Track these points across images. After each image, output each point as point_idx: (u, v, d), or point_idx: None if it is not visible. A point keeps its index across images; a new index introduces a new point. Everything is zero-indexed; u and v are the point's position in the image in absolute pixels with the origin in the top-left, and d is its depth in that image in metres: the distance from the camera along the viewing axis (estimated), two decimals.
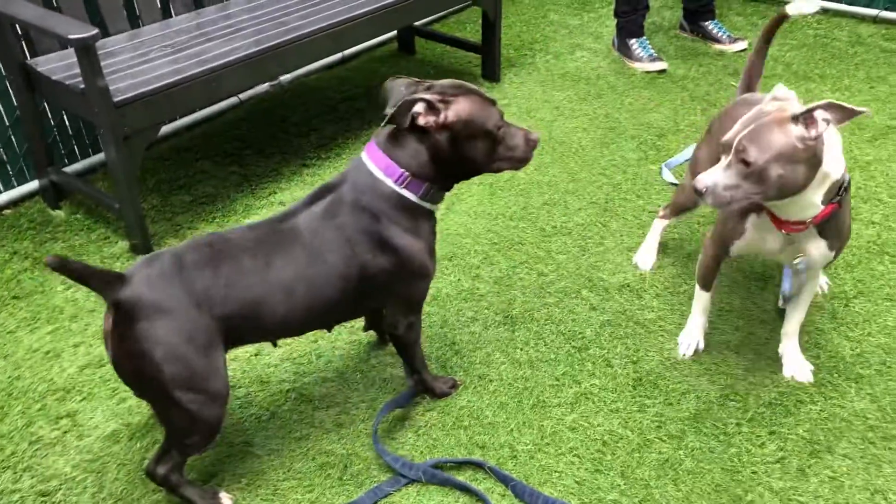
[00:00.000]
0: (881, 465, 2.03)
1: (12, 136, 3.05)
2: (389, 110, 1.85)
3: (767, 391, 2.25)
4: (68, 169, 3.23)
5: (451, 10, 4.62)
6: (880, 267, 2.69)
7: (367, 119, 3.71)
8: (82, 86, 2.56)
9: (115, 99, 2.56)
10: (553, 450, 2.10)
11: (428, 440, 2.13)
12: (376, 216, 1.88)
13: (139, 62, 2.84)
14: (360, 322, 2.50)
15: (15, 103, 2.95)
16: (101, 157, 3.31)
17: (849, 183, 1.94)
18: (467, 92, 1.89)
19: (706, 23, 4.29)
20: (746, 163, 1.78)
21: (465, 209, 3.07)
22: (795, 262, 2.06)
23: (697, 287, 2.36)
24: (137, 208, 2.77)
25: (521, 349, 2.43)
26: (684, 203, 2.58)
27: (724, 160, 1.84)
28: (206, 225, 2.99)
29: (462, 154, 1.89)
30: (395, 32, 4.33)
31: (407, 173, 1.88)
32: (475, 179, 3.06)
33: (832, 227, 1.99)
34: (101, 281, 1.71)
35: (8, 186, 3.11)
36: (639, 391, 2.27)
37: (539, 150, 3.41)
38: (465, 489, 1.98)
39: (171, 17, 3.25)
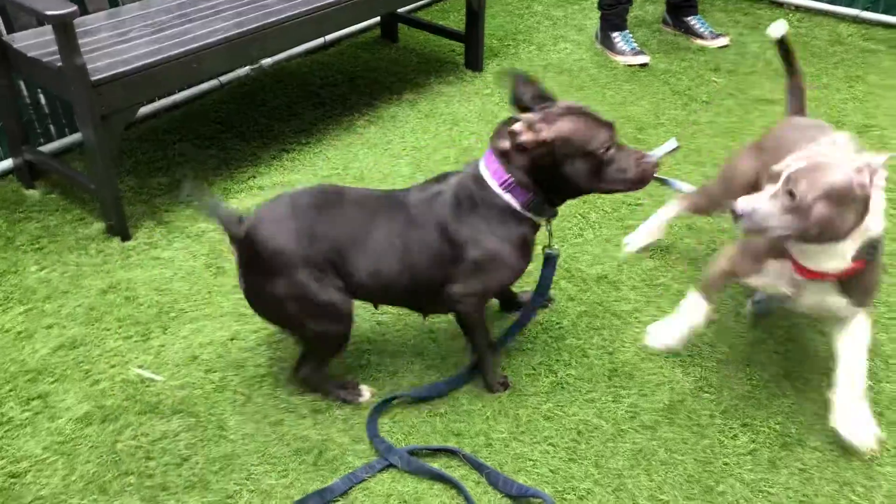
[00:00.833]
0: (850, 457, 2.06)
1: None
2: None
3: (741, 383, 2.28)
4: (44, 148, 3.19)
5: None
6: None
7: (349, 105, 3.69)
8: (59, 64, 2.52)
9: (93, 78, 2.53)
10: (528, 438, 2.11)
11: (404, 427, 2.14)
12: (465, 208, 2.02)
13: (118, 41, 2.80)
14: None
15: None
16: (77, 136, 3.27)
17: (882, 242, 1.86)
18: (575, 113, 1.95)
19: (689, 18, 4.30)
20: (793, 196, 1.71)
21: None
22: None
23: (695, 292, 2.20)
24: (114, 189, 2.74)
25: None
26: (705, 207, 2.55)
27: (771, 189, 1.77)
28: (183, 208, 2.96)
29: (562, 172, 1.96)
30: (378, 19, 4.31)
31: (512, 179, 1.98)
32: (456, 168, 3.06)
33: (856, 285, 1.89)
34: (226, 219, 2.02)
35: None
36: (614, 382, 2.29)
37: None
38: (440, 478, 1.98)
39: None
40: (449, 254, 2.03)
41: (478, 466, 2.01)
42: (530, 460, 2.05)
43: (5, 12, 2.82)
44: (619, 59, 4.09)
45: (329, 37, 4.20)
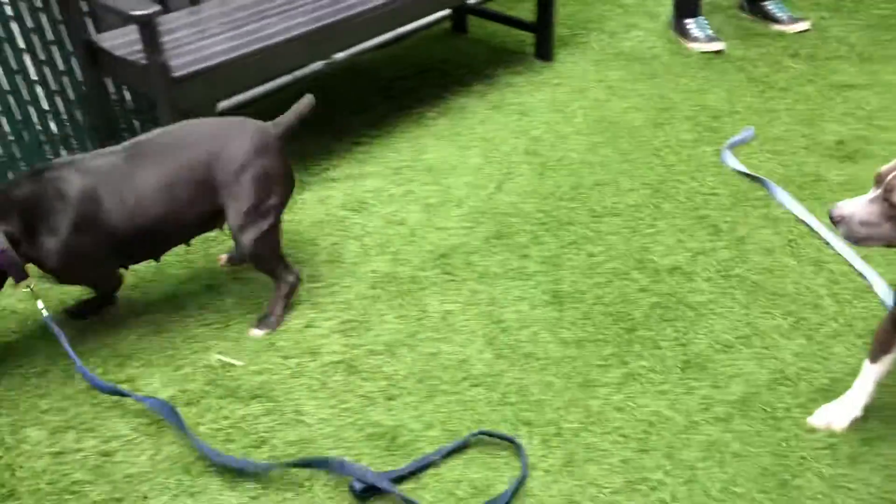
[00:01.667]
0: None
1: (77, 112, 3.15)
2: None
3: (819, 377, 2.23)
4: None
5: None
6: None
7: (419, 97, 3.73)
8: (143, 61, 2.63)
9: (174, 74, 2.63)
10: (599, 429, 2.11)
11: (474, 415, 2.16)
12: None
13: (198, 38, 2.90)
14: (413, 301, 2.54)
15: (80, 79, 3.04)
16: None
17: None
18: None
19: (766, 2, 4.19)
20: (893, 204, 1.64)
21: (515, 189, 3.07)
22: None
23: (868, 364, 2.01)
24: None
25: (569, 329, 2.43)
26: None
27: (872, 193, 1.70)
28: None
29: None
30: (448, 11, 4.33)
31: None
32: (525, 158, 3.06)
33: None
34: None
35: None
36: (686, 374, 2.26)
37: (591, 129, 3.41)
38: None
39: None
40: None
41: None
42: (601, 450, 2.05)
43: (94, 13, 2.95)
44: (693, 45, 4.02)
45: (400, 30, 4.24)
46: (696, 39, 4.01)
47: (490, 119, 3.54)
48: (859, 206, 1.68)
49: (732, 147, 3.20)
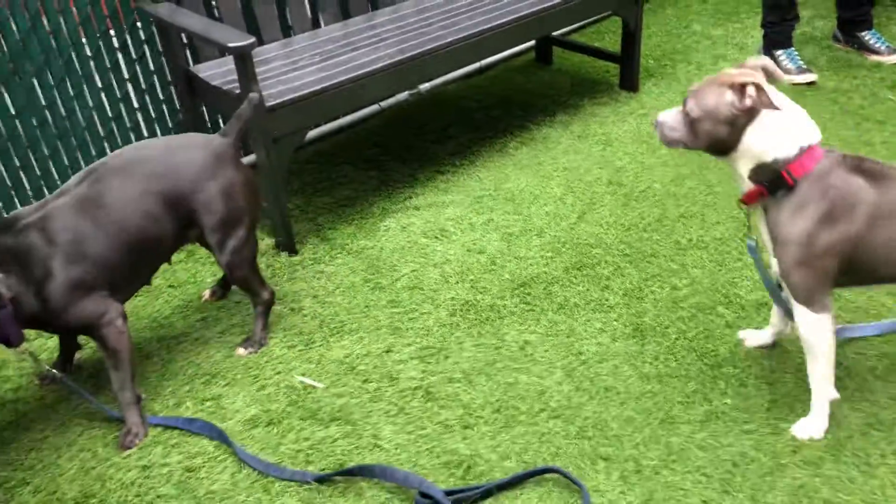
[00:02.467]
0: None
1: None
2: None
3: None
4: None
5: (590, 19, 4.61)
6: None
7: (502, 127, 3.75)
8: (238, 91, 2.73)
9: (267, 104, 2.72)
10: (680, 467, 2.06)
11: (551, 447, 2.14)
12: None
13: (290, 69, 3.00)
14: (492, 329, 2.54)
15: (178, 107, 3.19)
16: (251, 158, 3.51)
17: (790, 181, 1.90)
18: None
19: (862, 33, 4.06)
20: (687, 112, 1.98)
21: (597, 219, 3.05)
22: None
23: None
24: (283, 208, 2.93)
25: (651, 363, 2.39)
26: None
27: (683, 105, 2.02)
28: (345, 226, 3.12)
29: None
30: (532, 42, 4.36)
31: None
32: (608, 189, 3.04)
33: (772, 224, 1.97)
34: None
35: None
36: (773, 413, 2.19)
37: (676, 160, 3.37)
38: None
39: (320, 27, 3.42)
40: None
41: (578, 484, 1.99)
42: (682, 489, 2.00)
43: (192, 45, 3.09)
44: (784, 77, 3.91)
45: (485, 61, 4.29)
46: (787, 71, 3.92)
47: (573, 149, 3.53)
48: (670, 115, 2.04)
49: None
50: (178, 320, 2.69)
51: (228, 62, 2.95)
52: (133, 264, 2.26)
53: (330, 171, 3.52)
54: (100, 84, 2.99)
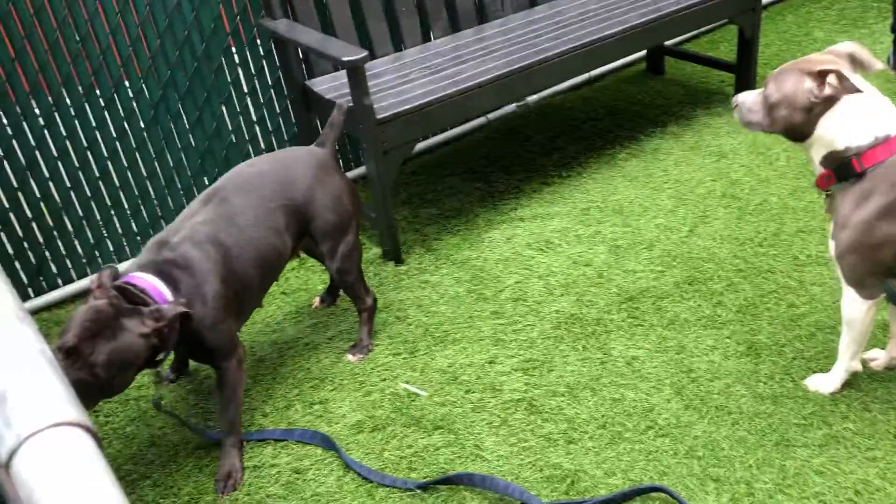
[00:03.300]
0: None
1: None
2: None
3: None
4: None
5: (704, 28, 4.49)
6: None
7: (611, 138, 3.70)
8: (351, 104, 2.80)
9: (378, 116, 2.78)
10: (796, 492, 1.96)
11: (658, 466, 2.08)
12: None
13: (400, 82, 3.05)
14: (598, 344, 2.50)
15: (294, 120, 3.30)
16: (361, 170, 3.60)
17: (857, 168, 1.88)
18: None
19: None
20: (766, 96, 1.99)
21: (710, 232, 2.96)
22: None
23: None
24: (390, 218, 2.98)
25: (765, 383, 2.29)
26: None
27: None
28: (450, 236, 3.15)
29: None
30: (644, 52, 4.29)
31: None
32: (721, 202, 2.95)
33: (837, 208, 1.97)
34: None
35: None
36: None
37: (795, 173, 3.23)
38: None
39: (430, 40, 3.47)
40: None
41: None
42: None
43: (307, 60, 3.20)
44: (878, 65, 3.69)
45: (594, 72, 4.25)
46: None
47: (685, 160, 3.44)
48: (750, 97, 2.05)
49: None
50: (289, 326, 2.78)
51: (341, 76, 3.04)
52: (262, 282, 2.29)
53: (437, 183, 3.56)
54: (221, 97, 3.14)
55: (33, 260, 2.92)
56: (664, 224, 3.05)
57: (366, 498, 2.11)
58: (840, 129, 1.91)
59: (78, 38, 2.76)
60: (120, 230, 3.08)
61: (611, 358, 2.46)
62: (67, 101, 2.82)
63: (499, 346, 2.56)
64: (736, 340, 2.45)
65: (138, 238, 3.11)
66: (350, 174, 3.62)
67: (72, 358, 1.85)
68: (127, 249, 3.11)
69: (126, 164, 3.00)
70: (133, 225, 3.10)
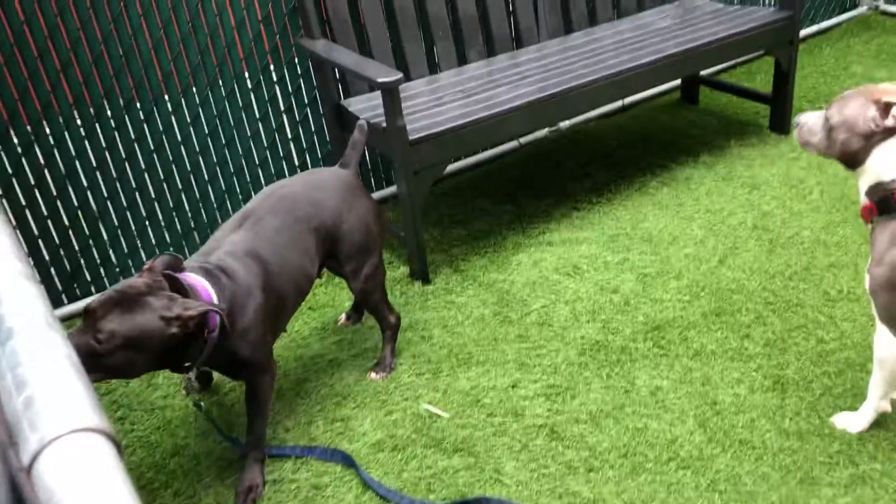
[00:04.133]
0: None
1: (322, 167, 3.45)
2: None
3: None
4: None
5: (740, 59, 4.48)
6: None
7: (642, 166, 3.69)
8: (384, 124, 2.84)
9: (411, 137, 2.81)
10: None
11: (679, 499, 2.06)
12: None
13: (434, 105, 3.08)
14: (622, 372, 2.49)
15: (328, 138, 3.34)
16: (392, 189, 3.63)
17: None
18: None
19: None
20: (828, 118, 1.97)
21: (740, 264, 2.93)
22: None
23: None
24: (420, 238, 2.99)
25: (791, 419, 2.26)
26: None
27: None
28: (478, 258, 3.15)
29: None
30: (678, 81, 4.28)
31: None
32: (752, 234, 2.93)
33: (874, 241, 1.96)
34: None
35: None
36: None
37: (828, 207, 3.19)
38: None
39: (465, 64, 3.50)
40: None
41: None
42: None
43: (343, 80, 3.25)
44: None
45: (628, 99, 4.25)
46: None
47: (717, 191, 3.42)
48: (812, 117, 2.04)
49: None
50: (315, 342, 2.80)
51: (376, 97, 3.07)
52: (294, 302, 2.30)
53: (466, 204, 3.58)
54: (258, 114, 3.19)
55: (68, 267, 2.99)
56: (693, 254, 3.03)
57: None
58: (889, 162, 1.90)
59: (121, 52, 2.84)
60: (154, 241, 3.13)
61: (635, 387, 2.44)
62: (108, 113, 2.89)
63: (522, 371, 2.56)
64: (763, 374, 2.42)
65: (170, 248, 3.16)
66: (380, 193, 3.65)
67: (84, 320, 1.83)
68: None
69: (162, 177, 3.06)
70: (167, 236, 3.15)
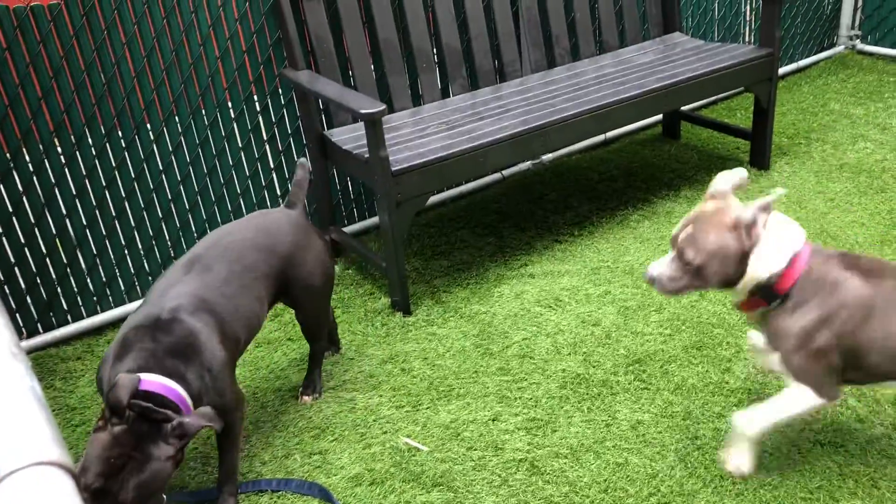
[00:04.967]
0: None
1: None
2: None
3: None
4: (347, 229, 3.57)
5: (721, 95, 4.54)
6: None
7: (624, 200, 3.71)
8: (367, 155, 2.84)
9: (393, 168, 2.81)
10: None
11: None
12: None
13: (417, 136, 3.09)
14: (603, 406, 2.47)
15: (310, 168, 3.34)
16: (374, 220, 3.62)
17: (781, 292, 1.95)
18: None
19: None
20: (686, 261, 1.96)
21: (720, 298, 2.94)
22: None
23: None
24: (401, 269, 2.98)
25: (772, 454, 2.25)
26: None
27: (671, 254, 2.01)
28: (460, 290, 3.14)
29: None
30: (660, 116, 4.33)
31: None
32: None
33: (773, 328, 2.00)
34: None
35: None
36: None
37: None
38: None
39: (449, 97, 3.52)
40: None
41: None
42: None
43: (327, 111, 3.25)
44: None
45: (609, 133, 4.29)
46: None
47: None
48: (664, 267, 2.01)
49: None
50: (293, 373, 2.77)
51: (360, 128, 3.08)
52: (246, 342, 2.28)
53: (449, 236, 3.57)
54: (240, 143, 3.19)
55: (45, 296, 2.95)
56: None
57: None
58: (761, 264, 1.95)
59: (104, 81, 2.83)
60: (132, 270, 3.10)
61: (616, 421, 2.43)
62: (90, 140, 2.87)
63: (503, 404, 2.54)
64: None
65: (149, 278, 3.13)
66: (362, 224, 3.64)
67: (101, 500, 1.76)
68: (138, 288, 3.13)
69: (142, 205, 3.04)
70: (146, 264, 3.12)
